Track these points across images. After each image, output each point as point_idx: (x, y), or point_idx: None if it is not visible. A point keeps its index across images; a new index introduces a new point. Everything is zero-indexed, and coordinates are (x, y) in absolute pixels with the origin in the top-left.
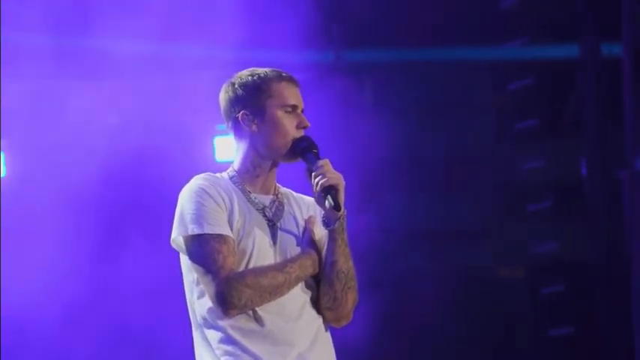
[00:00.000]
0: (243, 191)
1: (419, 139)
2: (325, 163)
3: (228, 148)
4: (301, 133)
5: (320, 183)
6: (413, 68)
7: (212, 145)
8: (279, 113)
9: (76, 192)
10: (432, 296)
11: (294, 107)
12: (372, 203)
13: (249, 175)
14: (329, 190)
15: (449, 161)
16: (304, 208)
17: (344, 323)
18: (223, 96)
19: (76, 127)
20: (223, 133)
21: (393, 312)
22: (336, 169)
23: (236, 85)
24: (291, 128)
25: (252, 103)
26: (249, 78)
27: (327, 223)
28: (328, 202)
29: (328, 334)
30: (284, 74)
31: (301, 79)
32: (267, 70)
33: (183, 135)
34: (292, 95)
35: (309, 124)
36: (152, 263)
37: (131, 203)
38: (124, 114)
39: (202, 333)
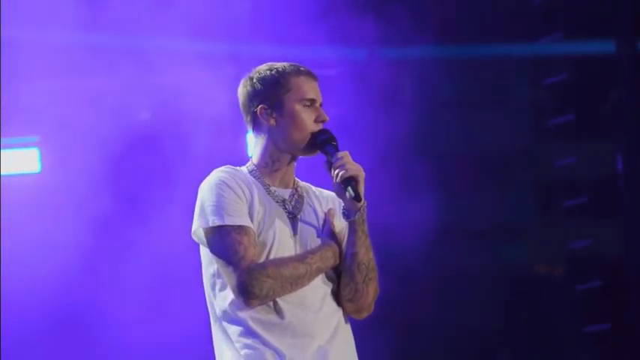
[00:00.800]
0: (263, 184)
1: (454, 136)
2: (345, 155)
3: None
4: (320, 126)
5: (340, 174)
6: (448, 65)
7: (245, 140)
8: (298, 107)
9: (109, 188)
10: (468, 294)
11: (313, 101)
12: (408, 201)
13: (268, 169)
14: (349, 181)
15: (484, 158)
16: (323, 201)
17: (365, 315)
18: (242, 90)
19: (109, 123)
20: None
21: (429, 310)
22: (355, 160)
23: (254, 80)
24: (309, 122)
25: (270, 98)
26: (268, 72)
27: (347, 214)
28: (348, 193)
29: (348, 327)
30: (302, 68)
31: (337, 75)
32: (285, 64)
33: (215, 131)
34: (310, 89)
35: (327, 118)
36: (182, 258)
37: (163, 199)
38: (156, 110)
39: (222, 327)
